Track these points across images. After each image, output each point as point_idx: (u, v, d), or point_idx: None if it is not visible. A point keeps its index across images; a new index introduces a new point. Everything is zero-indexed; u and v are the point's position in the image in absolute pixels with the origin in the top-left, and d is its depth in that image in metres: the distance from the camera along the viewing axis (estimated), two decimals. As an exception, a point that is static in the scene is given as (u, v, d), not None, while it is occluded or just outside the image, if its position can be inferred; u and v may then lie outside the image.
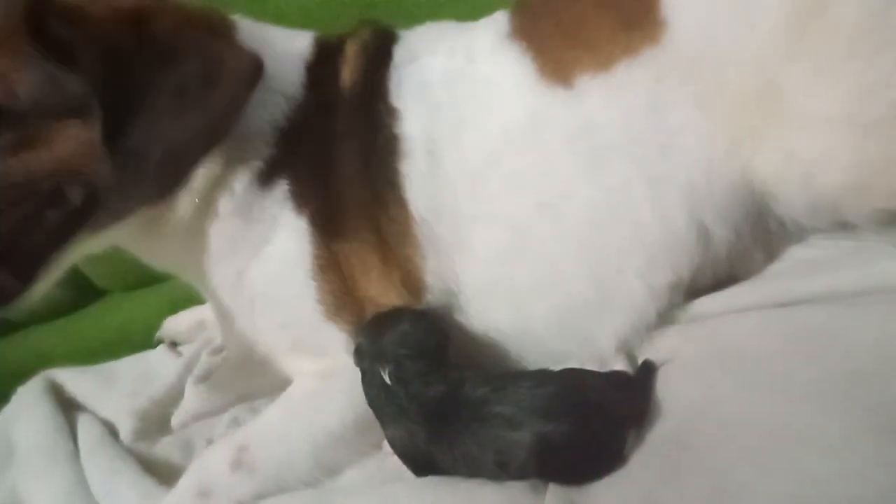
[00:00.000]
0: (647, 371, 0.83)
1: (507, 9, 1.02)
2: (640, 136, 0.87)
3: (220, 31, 0.92)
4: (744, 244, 0.89)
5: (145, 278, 1.66)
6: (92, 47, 0.80)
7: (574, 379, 0.81)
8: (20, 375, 1.28)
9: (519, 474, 0.76)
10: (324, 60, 1.01)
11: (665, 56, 0.87)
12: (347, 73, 0.99)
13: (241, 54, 0.89)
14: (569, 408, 0.76)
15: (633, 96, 0.88)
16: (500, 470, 0.76)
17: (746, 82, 0.84)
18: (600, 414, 0.76)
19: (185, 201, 0.93)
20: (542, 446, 0.74)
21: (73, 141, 0.83)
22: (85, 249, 0.94)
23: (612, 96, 0.88)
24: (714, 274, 0.90)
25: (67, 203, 0.86)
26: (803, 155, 0.82)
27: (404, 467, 0.87)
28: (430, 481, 0.83)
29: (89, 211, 0.87)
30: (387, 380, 0.84)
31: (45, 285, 0.89)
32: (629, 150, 0.88)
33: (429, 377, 0.83)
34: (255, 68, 0.88)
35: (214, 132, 0.87)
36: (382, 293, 0.94)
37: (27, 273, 0.86)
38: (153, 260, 1.05)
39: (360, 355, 0.88)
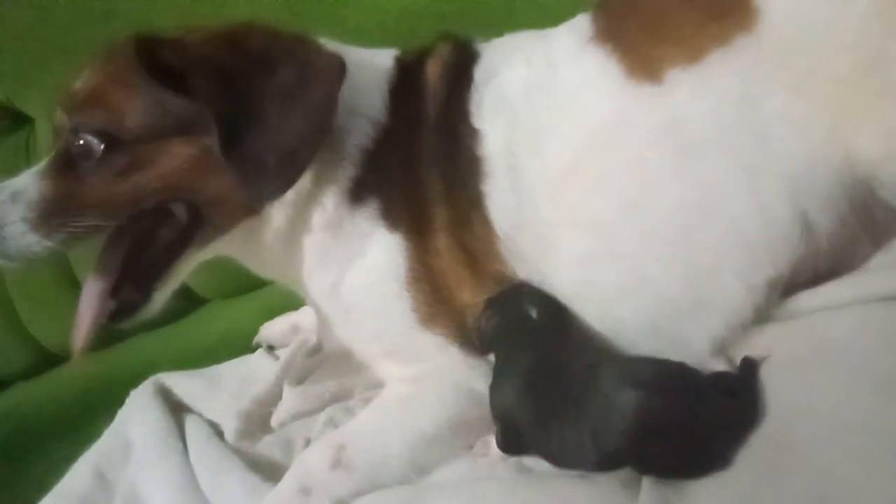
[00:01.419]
0: (750, 371, 0.80)
1: (581, 10, 1.02)
2: (734, 128, 0.85)
3: (306, 41, 0.98)
4: (849, 234, 0.85)
5: (243, 287, 1.75)
6: (198, 70, 0.88)
7: (688, 371, 0.80)
8: (131, 380, 1.36)
9: (613, 455, 0.75)
10: (406, 82, 1.04)
11: (758, 43, 0.84)
12: (430, 94, 1.02)
13: (325, 54, 0.95)
14: (679, 390, 0.75)
15: (726, 87, 0.85)
16: (595, 445, 0.75)
17: (845, 61, 0.81)
18: (704, 408, 0.74)
19: (280, 214, 0.99)
20: (643, 418, 0.73)
21: (177, 159, 0.92)
22: (195, 261, 1.02)
23: (703, 89, 0.86)
24: (815, 268, 0.87)
25: (176, 221, 0.96)
26: None
27: (495, 467, 0.89)
28: (521, 480, 0.84)
29: (196, 226, 0.96)
30: (533, 315, 0.89)
31: (163, 296, 0.99)
32: (723, 142, 0.85)
33: (552, 340, 0.87)
34: (340, 65, 0.94)
35: (318, 128, 0.92)
36: (479, 299, 0.96)
37: (147, 286, 0.96)
38: (258, 268, 1.12)
39: (494, 309, 0.91)
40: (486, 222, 0.95)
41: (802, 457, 0.70)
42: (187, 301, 1.83)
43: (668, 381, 0.76)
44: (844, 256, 0.87)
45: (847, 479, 0.66)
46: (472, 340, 0.96)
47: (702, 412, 0.74)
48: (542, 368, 0.85)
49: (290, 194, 0.97)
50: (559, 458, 0.80)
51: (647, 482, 0.75)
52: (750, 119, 0.85)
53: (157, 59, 0.90)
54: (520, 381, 0.85)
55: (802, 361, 0.80)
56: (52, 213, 0.90)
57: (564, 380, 0.83)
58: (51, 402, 1.74)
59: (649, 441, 0.74)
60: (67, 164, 0.93)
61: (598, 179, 0.92)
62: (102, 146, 0.90)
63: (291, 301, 1.48)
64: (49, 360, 1.94)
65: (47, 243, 0.89)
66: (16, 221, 0.89)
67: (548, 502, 0.77)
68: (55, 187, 0.92)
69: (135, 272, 0.95)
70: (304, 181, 0.97)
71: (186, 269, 1.01)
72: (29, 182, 0.93)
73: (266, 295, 1.69)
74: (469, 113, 0.98)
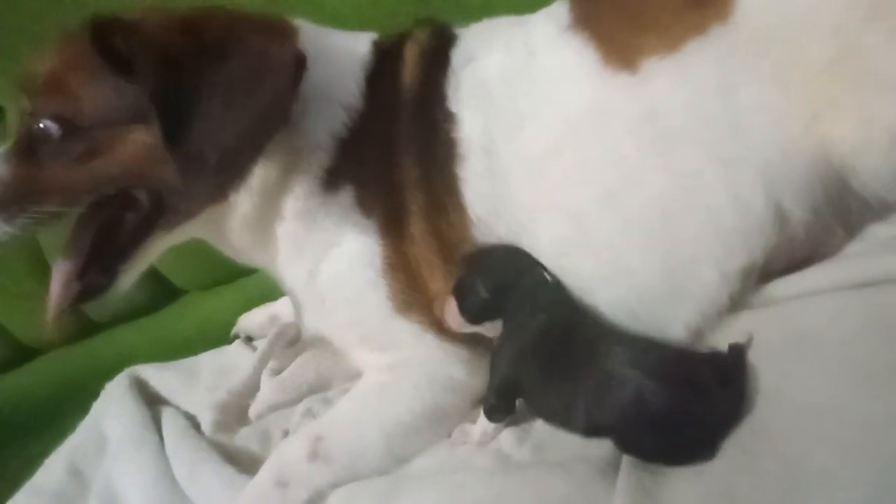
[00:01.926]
0: (738, 357, 0.80)
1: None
2: (711, 118, 0.85)
3: (270, 29, 0.93)
4: (823, 224, 0.86)
5: (221, 277, 1.72)
6: (148, 56, 0.84)
7: (690, 359, 0.81)
8: (106, 373, 1.34)
9: (601, 427, 0.77)
10: (383, 67, 1.02)
11: (736, 32, 0.84)
12: (407, 78, 1.00)
13: (285, 48, 0.90)
14: (679, 379, 0.76)
15: (703, 77, 0.85)
16: (586, 414, 0.77)
17: (823, 50, 0.81)
18: (701, 402, 0.75)
19: (246, 202, 0.98)
20: (639, 403, 0.74)
21: (135, 146, 0.89)
22: (163, 245, 1.00)
23: (680, 78, 0.86)
24: (790, 256, 0.87)
25: (140, 206, 0.94)
26: (885, 119, 0.78)
27: (473, 456, 0.89)
28: (499, 468, 0.84)
29: (159, 212, 0.94)
30: (548, 277, 0.90)
31: (129, 279, 0.97)
32: (700, 132, 0.85)
33: (541, 303, 0.88)
34: (297, 60, 0.89)
35: (265, 128, 0.88)
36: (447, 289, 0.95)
37: (112, 269, 0.95)
38: (232, 254, 1.10)
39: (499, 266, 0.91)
40: (460, 208, 0.94)
41: (777, 444, 0.71)
42: (164, 293, 1.80)
43: (670, 368, 0.77)
44: (819, 245, 0.88)
45: (823, 464, 0.67)
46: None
47: (698, 406, 0.74)
48: (553, 328, 0.86)
49: (257, 182, 0.95)
50: (552, 416, 0.82)
51: (624, 469, 0.75)
52: (727, 109, 0.85)
53: (110, 45, 0.87)
54: (532, 336, 0.86)
55: (777, 349, 0.80)
56: (12, 199, 0.88)
57: (571, 344, 0.84)
58: (26, 397, 1.71)
59: (640, 425, 0.75)
60: (28, 149, 0.91)
61: (576, 167, 0.91)
62: (60, 131, 0.88)
63: (270, 292, 1.47)
64: (24, 353, 1.91)
65: (7, 229, 0.87)
66: None
67: (526, 490, 0.77)
68: (16, 172, 0.90)
69: (100, 255, 0.94)
70: (271, 170, 0.96)
71: (154, 253, 1.00)
72: None
73: (244, 286, 1.67)
74: (446, 97, 0.97)
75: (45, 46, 0.93)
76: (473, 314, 0.90)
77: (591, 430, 0.79)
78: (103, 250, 0.94)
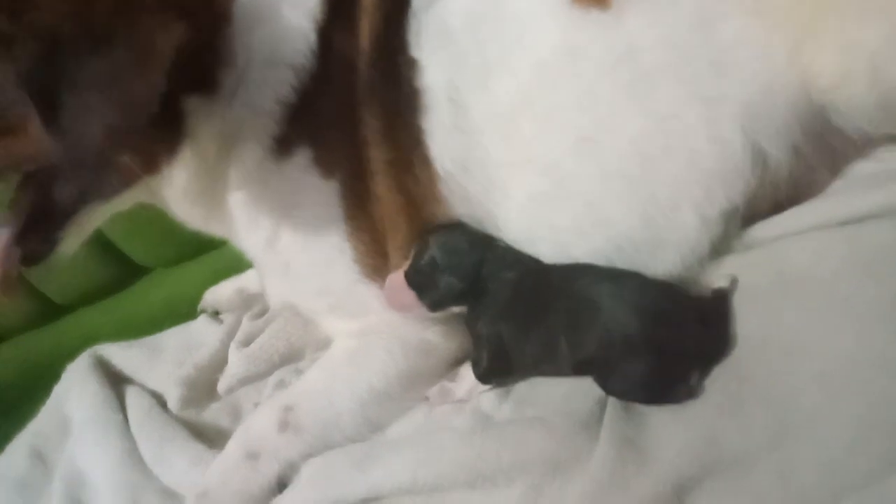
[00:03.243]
0: (722, 300, 0.78)
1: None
2: (688, 55, 0.80)
3: (164, 9, 0.81)
4: (805, 165, 0.83)
5: (186, 253, 1.66)
6: (29, 36, 0.75)
7: (673, 294, 0.79)
8: (72, 355, 1.28)
9: (585, 362, 0.77)
10: (337, 14, 0.95)
11: None
12: (365, 25, 0.94)
13: (167, 37, 0.80)
14: (662, 313, 0.74)
15: (678, 12, 0.81)
16: (571, 353, 0.77)
17: None
18: (681, 331, 0.74)
19: (181, 175, 0.92)
20: (616, 323, 0.74)
21: (37, 129, 0.80)
22: (105, 213, 0.95)
23: (655, 13, 0.82)
24: (774, 199, 0.84)
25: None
26: (868, 47, 0.74)
27: (451, 417, 0.86)
28: (478, 428, 0.81)
29: (83, 185, 0.89)
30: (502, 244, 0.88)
31: (71, 246, 0.92)
32: (678, 71, 0.81)
33: (507, 263, 0.86)
34: (180, 50, 0.79)
35: (126, 126, 0.78)
36: (401, 254, 0.92)
37: (50, 237, 0.90)
38: (194, 225, 1.04)
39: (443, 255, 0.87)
40: (427, 162, 0.90)
41: (764, 387, 0.69)
42: (128, 271, 1.73)
43: (649, 297, 0.75)
44: (803, 187, 0.85)
45: (810, 405, 0.65)
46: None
47: (678, 334, 0.73)
48: (524, 280, 0.84)
49: (190, 157, 0.90)
50: (538, 364, 0.81)
51: (607, 422, 0.73)
52: (705, 45, 0.80)
53: None
54: (505, 295, 0.84)
55: (762, 291, 0.78)
56: None
57: (545, 288, 0.82)
58: (-10, 382, 1.66)
59: (619, 353, 0.73)
60: None
61: (548, 116, 0.87)
62: None
63: (237, 265, 1.42)
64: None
65: None
66: None
67: (507, 447, 0.74)
68: None
69: (38, 224, 0.89)
70: (208, 144, 0.90)
71: (96, 220, 0.95)
72: None
73: (210, 260, 1.61)
74: (407, 43, 0.91)
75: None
76: (445, 306, 0.89)
77: (577, 366, 0.77)
78: (41, 217, 0.89)
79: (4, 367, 1.75)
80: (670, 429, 0.70)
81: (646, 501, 0.64)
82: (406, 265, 0.89)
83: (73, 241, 0.92)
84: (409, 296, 0.88)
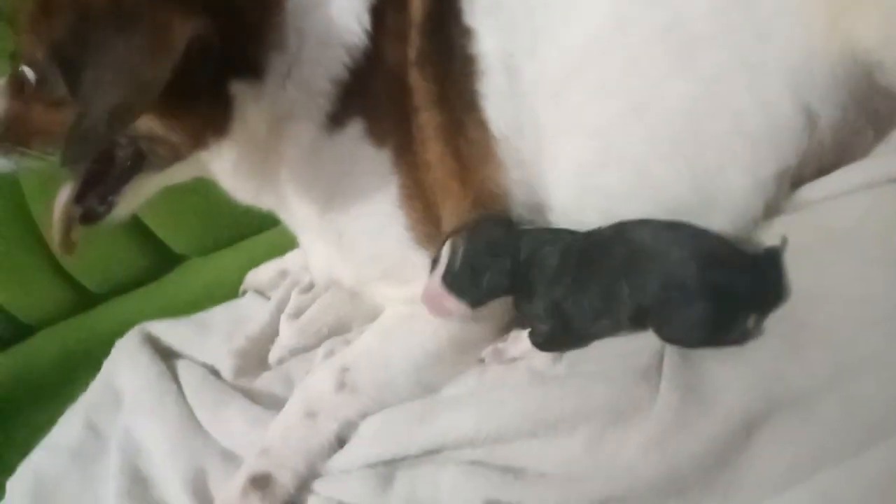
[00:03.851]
0: (774, 257, 0.80)
1: None
2: (733, 24, 0.84)
3: None
4: (851, 125, 0.85)
5: (223, 241, 1.69)
6: (68, 6, 0.81)
7: (727, 244, 0.81)
8: (110, 340, 1.29)
9: (644, 310, 0.79)
10: None
11: None
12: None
13: (183, 27, 0.81)
14: (711, 252, 0.77)
15: None
16: (632, 298, 0.79)
17: None
18: (736, 276, 0.76)
19: (232, 151, 0.95)
20: (674, 270, 0.76)
21: None
22: (158, 183, 0.99)
23: None
24: (820, 160, 0.87)
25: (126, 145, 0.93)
26: None
27: (505, 377, 0.88)
28: (535, 382, 0.83)
29: (140, 155, 0.93)
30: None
31: (125, 211, 0.97)
32: (723, 39, 0.84)
33: (545, 240, 0.88)
34: (194, 41, 0.82)
35: (128, 110, 0.82)
36: (454, 219, 0.94)
37: (107, 199, 0.95)
38: (244, 199, 1.06)
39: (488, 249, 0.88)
40: (481, 124, 0.92)
41: (821, 333, 0.71)
42: (164, 260, 1.76)
43: (704, 245, 0.78)
44: (848, 147, 0.88)
45: (868, 347, 0.67)
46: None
47: (733, 279, 0.75)
48: (571, 246, 0.86)
49: (240, 134, 0.92)
50: (597, 319, 0.83)
51: (666, 373, 0.75)
52: (749, 14, 0.84)
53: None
54: (553, 261, 0.85)
55: (815, 248, 0.80)
56: (5, 136, 0.88)
57: (595, 247, 0.84)
58: (29, 369, 1.68)
59: (677, 300, 0.75)
60: (17, 88, 0.89)
61: (598, 83, 0.90)
62: (35, 76, 0.86)
63: (274, 250, 1.45)
64: (23, 330, 1.87)
65: (4, 162, 0.88)
66: None
67: (568, 397, 0.76)
68: (9, 109, 0.89)
69: (97, 186, 0.94)
70: (259, 122, 0.93)
71: (149, 189, 0.99)
72: None
73: (247, 247, 1.64)
74: (460, 10, 0.94)
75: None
76: (488, 301, 0.89)
77: (636, 314, 0.80)
78: (99, 180, 0.94)
79: (41, 355, 1.77)
80: (731, 374, 0.72)
81: (714, 438, 0.66)
82: (438, 271, 0.88)
83: (127, 205, 0.97)
84: (450, 300, 0.87)
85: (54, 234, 0.94)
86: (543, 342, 0.88)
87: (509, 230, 0.91)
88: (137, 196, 0.98)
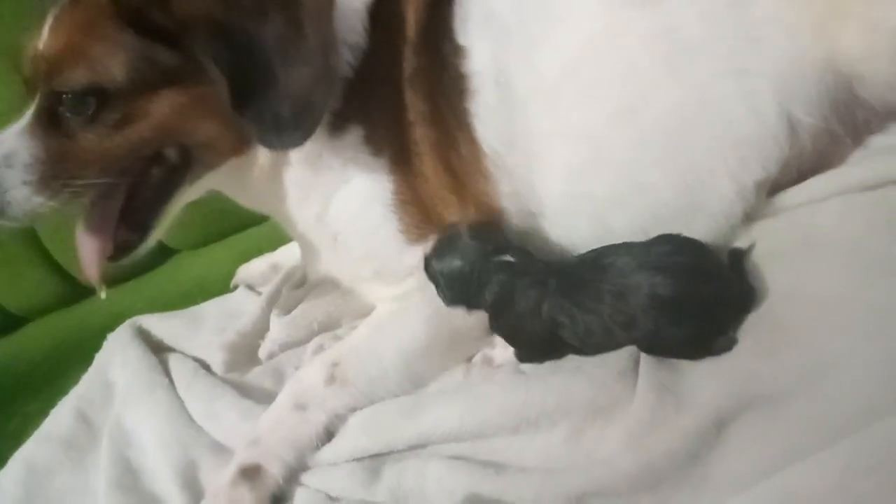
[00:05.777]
0: (738, 259, 0.83)
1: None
2: (724, 32, 0.86)
3: None
4: (831, 134, 0.88)
5: (214, 235, 1.71)
6: (195, 29, 0.85)
7: (693, 244, 0.83)
8: (102, 332, 1.31)
9: (634, 330, 0.80)
10: (386, 2, 1.00)
11: None
12: (412, 13, 0.99)
13: None
14: (681, 265, 0.79)
15: None
16: (616, 322, 0.80)
17: None
18: (710, 282, 0.78)
19: (264, 151, 0.97)
20: (652, 294, 0.77)
21: (170, 109, 0.90)
22: (186, 198, 1.00)
23: None
24: (799, 168, 0.89)
25: (167, 160, 0.94)
26: (890, 24, 0.80)
27: (493, 374, 0.91)
28: (520, 380, 0.86)
29: (186, 167, 0.95)
30: (510, 259, 0.90)
31: (157, 235, 0.98)
32: (714, 46, 0.87)
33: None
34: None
35: (325, 70, 0.89)
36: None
37: (142, 226, 0.96)
38: (247, 202, 1.10)
39: (470, 263, 0.90)
40: (472, 142, 0.94)
41: (795, 334, 0.74)
42: (155, 253, 1.76)
43: (675, 259, 0.79)
44: (826, 156, 0.91)
45: (841, 347, 0.70)
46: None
47: (708, 287, 0.77)
48: (552, 270, 0.88)
49: None
50: (586, 342, 0.84)
51: (643, 372, 0.78)
52: (739, 23, 0.86)
53: (144, 18, 0.87)
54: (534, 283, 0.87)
55: (790, 252, 0.83)
56: (53, 175, 0.88)
57: (575, 272, 0.85)
58: (19, 360, 1.68)
59: (660, 320, 0.77)
60: (53, 123, 0.90)
61: (590, 87, 0.92)
62: (94, 102, 0.88)
63: (264, 245, 1.47)
64: (14, 322, 1.88)
65: (52, 204, 0.88)
66: (17, 186, 0.86)
67: (550, 394, 0.79)
68: (47, 147, 0.89)
69: (130, 214, 0.95)
70: None
71: (178, 207, 1.00)
72: (16, 144, 0.89)
73: (239, 241, 1.66)
74: (453, 30, 0.96)
75: (42, 19, 0.92)
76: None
77: (630, 339, 0.81)
78: (132, 209, 0.95)
79: (32, 347, 1.77)
80: (705, 374, 0.75)
81: (687, 434, 0.68)
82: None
83: (160, 230, 0.98)
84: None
85: (86, 273, 0.94)
86: (524, 357, 0.90)
87: (485, 246, 0.92)
88: (168, 218, 0.99)
